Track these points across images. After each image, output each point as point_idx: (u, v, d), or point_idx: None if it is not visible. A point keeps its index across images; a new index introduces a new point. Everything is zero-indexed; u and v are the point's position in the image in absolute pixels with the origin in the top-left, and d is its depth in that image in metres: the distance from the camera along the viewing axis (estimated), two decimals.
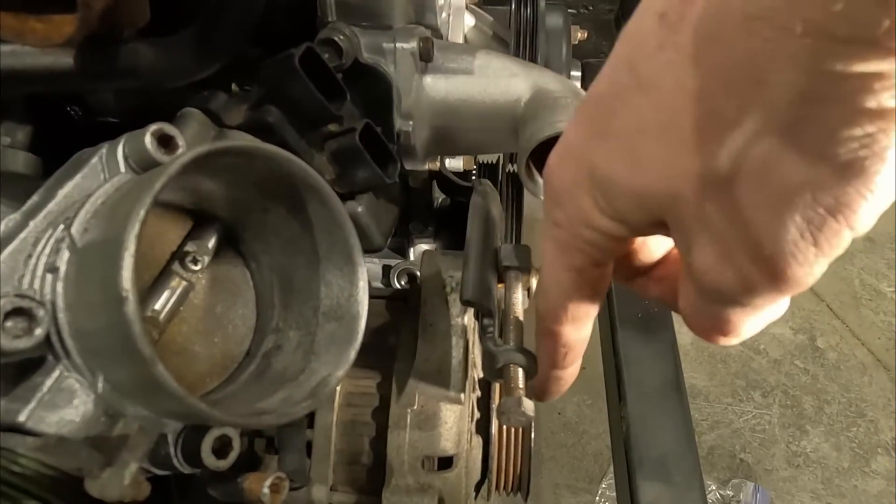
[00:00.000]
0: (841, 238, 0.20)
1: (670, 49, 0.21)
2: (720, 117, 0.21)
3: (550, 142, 0.62)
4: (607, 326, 0.98)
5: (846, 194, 0.20)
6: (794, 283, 0.21)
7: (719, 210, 0.22)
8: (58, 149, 0.51)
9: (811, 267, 0.21)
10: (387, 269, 0.87)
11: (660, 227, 0.25)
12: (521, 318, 0.56)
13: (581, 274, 0.28)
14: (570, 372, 0.33)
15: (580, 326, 0.31)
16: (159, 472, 0.41)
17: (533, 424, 0.64)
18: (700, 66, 0.21)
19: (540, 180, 0.66)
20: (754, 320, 0.25)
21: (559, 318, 0.30)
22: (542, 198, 0.65)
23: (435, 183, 0.87)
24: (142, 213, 0.30)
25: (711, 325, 0.25)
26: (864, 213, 0.20)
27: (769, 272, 0.21)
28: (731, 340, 0.26)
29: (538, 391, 0.34)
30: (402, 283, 0.84)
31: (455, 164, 0.92)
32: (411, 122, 0.65)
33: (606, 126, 0.24)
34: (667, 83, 0.22)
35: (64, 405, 0.35)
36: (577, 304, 0.29)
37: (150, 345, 0.30)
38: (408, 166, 0.70)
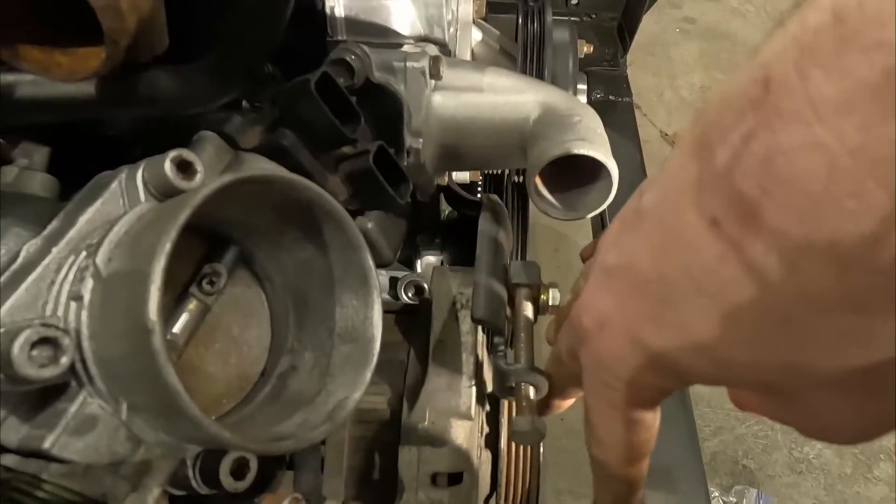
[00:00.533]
0: None
1: (734, 264, 0.19)
2: (808, 333, 0.20)
3: (557, 161, 0.63)
4: None
5: None
6: None
7: (817, 390, 0.22)
8: (71, 166, 0.52)
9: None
10: (394, 281, 0.87)
11: None
12: (531, 335, 0.57)
13: (636, 422, 0.28)
14: (637, 498, 0.32)
15: (643, 463, 0.30)
16: (177, 493, 0.42)
17: (542, 442, 0.64)
18: (778, 289, 0.19)
19: (547, 195, 0.67)
20: None
21: (621, 463, 0.30)
22: (551, 215, 0.66)
23: (442, 196, 0.88)
24: (168, 246, 0.31)
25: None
26: None
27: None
28: None
29: None
30: (410, 294, 0.84)
31: (461, 176, 0.93)
32: (421, 140, 0.65)
33: (661, 315, 0.23)
34: (738, 297, 0.20)
35: (88, 431, 0.35)
36: (637, 445, 0.29)
37: (176, 375, 0.31)
38: (417, 182, 0.70)
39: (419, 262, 0.90)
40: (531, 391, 0.51)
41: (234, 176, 0.35)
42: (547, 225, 2.10)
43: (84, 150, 0.62)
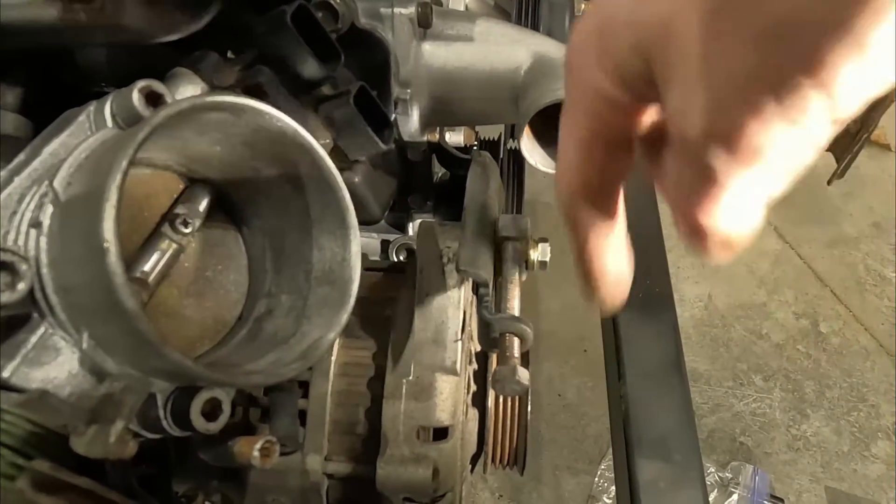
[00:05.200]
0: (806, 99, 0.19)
1: None
2: None
3: (550, 112, 0.61)
4: None
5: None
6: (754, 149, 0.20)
7: (700, 41, 0.21)
8: (51, 116, 0.50)
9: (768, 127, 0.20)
10: (385, 244, 0.86)
11: (652, 86, 0.23)
12: (518, 287, 0.55)
13: (586, 143, 0.26)
14: (610, 265, 0.28)
15: (605, 203, 0.27)
16: (150, 436, 0.41)
17: (529, 400, 0.63)
18: None
19: (538, 147, 0.65)
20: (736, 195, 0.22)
21: (576, 193, 0.27)
22: (542, 168, 0.64)
23: (435, 157, 0.86)
24: (124, 163, 0.30)
25: (690, 191, 0.22)
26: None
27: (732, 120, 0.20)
28: (714, 214, 0.22)
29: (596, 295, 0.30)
30: (401, 257, 0.83)
31: (456, 138, 0.91)
32: (409, 91, 0.63)
33: None
34: None
35: (48, 362, 0.34)
36: (591, 172, 0.27)
37: (133, 296, 0.30)
38: (406, 137, 0.69)
39: (411, 225, 0.89)
40: (515, 342, 0.50)
41: (197, 99, 0.34)
42: (548, 203, 2.08)
43: (66, 105, 0.60)
